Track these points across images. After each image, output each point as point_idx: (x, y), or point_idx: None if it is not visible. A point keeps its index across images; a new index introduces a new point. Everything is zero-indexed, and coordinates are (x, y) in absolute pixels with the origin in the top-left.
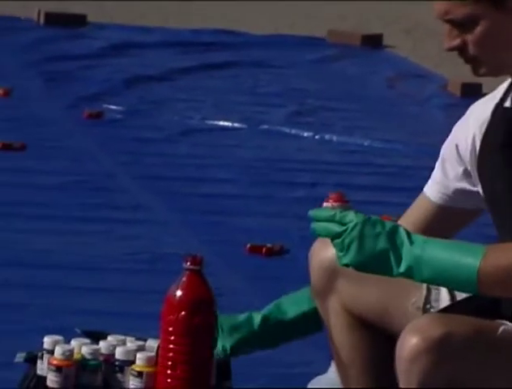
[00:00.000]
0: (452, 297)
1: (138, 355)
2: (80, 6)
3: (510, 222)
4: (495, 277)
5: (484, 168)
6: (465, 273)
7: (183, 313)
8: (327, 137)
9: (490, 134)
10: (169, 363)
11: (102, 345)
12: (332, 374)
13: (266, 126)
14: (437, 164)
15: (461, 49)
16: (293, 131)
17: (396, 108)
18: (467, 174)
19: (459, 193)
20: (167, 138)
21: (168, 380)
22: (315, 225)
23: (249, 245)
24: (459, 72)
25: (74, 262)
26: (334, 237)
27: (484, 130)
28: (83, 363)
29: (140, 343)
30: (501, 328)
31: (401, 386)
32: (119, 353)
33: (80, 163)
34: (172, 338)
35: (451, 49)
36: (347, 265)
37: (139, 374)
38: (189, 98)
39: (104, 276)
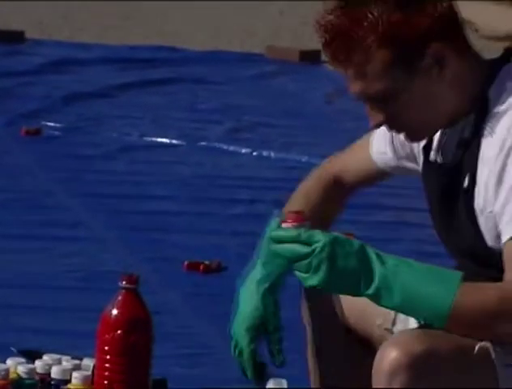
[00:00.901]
0: None
1: (74, 374)
2: (18, 22)
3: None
4: (466, 318)
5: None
6: (436, 307)
7: (119, 332)
8: (265, 153)
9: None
10: (105, 382)
11: (38, 364)
12: None
13: (204, 143)
14: (384, 136)
15: (388, 123)
16: (231, 148)
17: (334, 123)
18: (412, 158)
19: (402, 168)
20: (105, 155)
21: None
22: (278, 248)
23: (186, 263)
24: None
25: (11, 280)
26: (299, 259)
27: (421, 159)
28: (18, 382)
29: (76, 362)
30: (477, 346)
31: None
32: (55, 372)
33: (18, 180)
34: (108, 357)
35: (378, 126)
36: (313, 286)
37: None
38: (127, 115)
39: (40, 294)
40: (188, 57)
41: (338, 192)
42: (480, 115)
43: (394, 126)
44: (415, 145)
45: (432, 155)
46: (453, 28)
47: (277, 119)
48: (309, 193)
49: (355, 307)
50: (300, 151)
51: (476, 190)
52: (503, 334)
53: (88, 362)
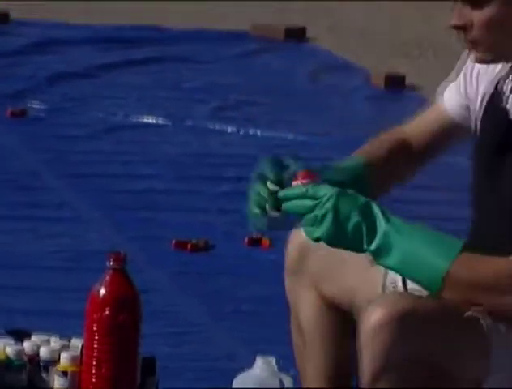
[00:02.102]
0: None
1: (63, 354)
2: (3, 3)
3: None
4: (460, 288)
5: (485, 121)
6: (432, 272)
7: (107, 311)
8: (251, 131)
9: (493, 108)
10: (94, 362)
11: (26, 345)
12: (258, 370)
13: (190, 122)
14: (455, 79)
15: (465, 29)
16: (217, 126)
17: (320, 101)
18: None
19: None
20: (91, 135)
21: (93, 379)
22: (287, 205)
23: (174, 241)
24: (383, 65)
25: None
26: (306, 212)
27: (487, 99)
28: (7, 363)
29: (64, 342)
30: (469, 312)
31: (363, 359)
32: (43, 353)
33: (4, 161)
34: (97, 336)
35: (456, 27)
36: (318, 239)
37: (64, 374)
38: (112, 95)
39: (28, 275)
40: (172, 36)
41: (404, 154)
42: None
43: (468, 34)
44: (480, 90)
45: (501, 101)
46: None
47: (262, 97)
48: (369, 152)
49: (345, 287)
50: (287, 128)
51: None
52: (495, 308)
53: (77, 342)
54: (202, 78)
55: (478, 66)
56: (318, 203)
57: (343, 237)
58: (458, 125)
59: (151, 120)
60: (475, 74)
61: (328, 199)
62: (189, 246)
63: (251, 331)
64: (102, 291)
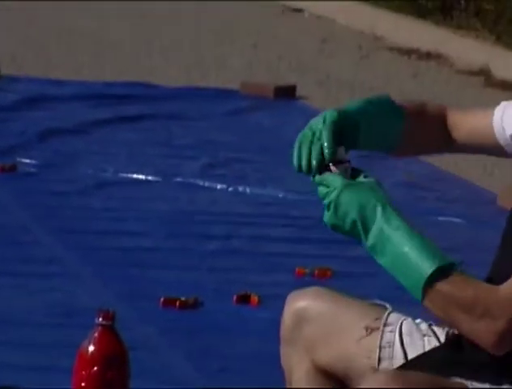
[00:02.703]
0: (405, 354)
1: None
2: None
3: None
4: (438, 300)
5: None
6: (415, 278)
7: (95, 368)
8: (241, 189)
9: None
10: None
11: None
12: None
13: (179, 179)
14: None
15: None
16: (207, 184)
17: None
18: None
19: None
20: (81, 191)
21: None
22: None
23: (162, 299)
24: None
25: None
26: (322, 197)
27: None
28: None
29: None
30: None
31: None
32: None
33: None
34: None
35: None
36: (326, 225)
37: None
38: (102, 151)
39: (16, 330)
40: (162, 93)
41: (440, 129)
42: None
43: None
44: None
45: None
46: None
47: (252, 155)
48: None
49: (338, 350)
50: (276, 186)
51: None
52: (468, 333)
53: None
54: (193, 135)
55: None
56: (327, 192)
57: (343, 230)
58: (497, 144)
59: (140, 176)
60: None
61: (333, 190)
62: (177, 304)
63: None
64: (90, 348)
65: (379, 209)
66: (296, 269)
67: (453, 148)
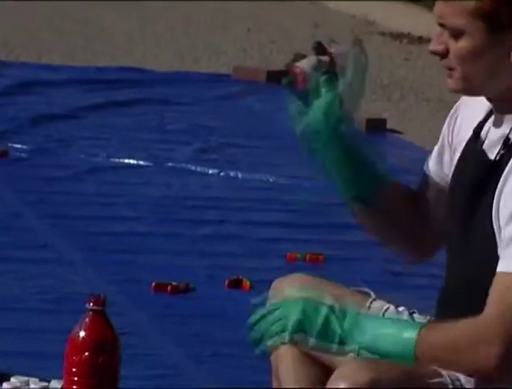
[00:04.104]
0: None
1: None
2: None
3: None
4: (430, 353)
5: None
6: (402, 347)
7: (86, 354)
8: (233, 174)
9: (470, 151)
10: None
11: (5, 387)
12: None
13: (171, 164)
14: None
15: (443, 56)
16: (199, 168)
17: (301, 144)
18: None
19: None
20: (73, 176)
21: None
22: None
23: (154, 284)
24: (363, 108)
25: None
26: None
27: (465, 143)
28: None
29: (44, 384)
30: (437, 379)
31: None
32: None
33: None
34: (76, 379)
35: (434, 53)
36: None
37: None
38: (94, 136)
39: (8, 316)
40: (155, 78)
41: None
42: None
43: (445, 61)
44: (461, 135)
45: (478, 144)
46: None
47: (244, 139)
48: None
49: None
50: (268, 171)
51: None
52: (467, 369)
53: (56, 384)
54: (184, 120)
55: (461, 113)
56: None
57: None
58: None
59: (132, 161)
60: (458, 122)
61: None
62: (169, 289)
63: (231, 373)
64: (82, 334)
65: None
66: (288, 254)
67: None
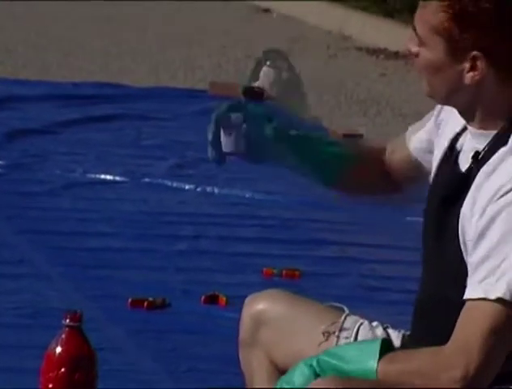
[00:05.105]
0: None
1: None
2: None
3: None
4: (392, 378)
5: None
6: (364, 373)
7: (63, 370)
8: (209, 189)
9: (445, 163)
10: None
11: None
12: None
13: (148, 179)
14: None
15: (413, 57)
16: (175, 184)
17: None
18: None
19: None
20: (49, 192)
21: None
22: None
23: (130, 300)
24: (340, 123)
25: None
26: None
27: (441, 154)
28: None
29: None
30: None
31: None
32: None
33: None
34: None
35: (407, 52)
36: None
37: None
38: (71, 151)
39: None
40: (131, 93)
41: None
42: (499, 140)
43: (416, 63)
44: (441, 143)
45: (454, 154)
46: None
47: None
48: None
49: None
50: (244, 186)
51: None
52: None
53: None
54: (161, 135)
55: (445, 117)
56: None
57: None
58: (422, 167)
59: (109, 177)
60: (441, 127)
61: None
62: (145, 304)
63: None
64: (58, 350)
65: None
66: (264, 270)
67: (396, 187)
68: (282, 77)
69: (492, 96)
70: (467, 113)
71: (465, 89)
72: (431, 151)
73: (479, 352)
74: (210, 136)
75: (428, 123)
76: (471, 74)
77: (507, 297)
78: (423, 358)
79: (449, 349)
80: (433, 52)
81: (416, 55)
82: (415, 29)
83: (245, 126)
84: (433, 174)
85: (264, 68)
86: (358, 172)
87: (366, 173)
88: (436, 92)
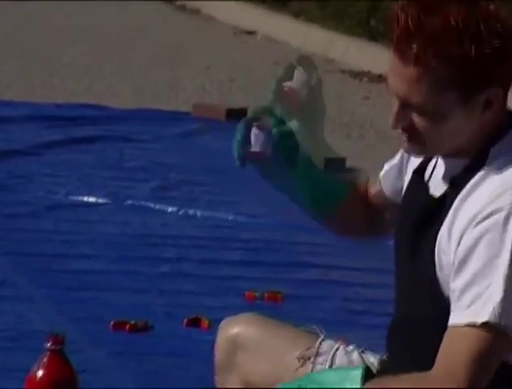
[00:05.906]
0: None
1: None
2: None
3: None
4: None
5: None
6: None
7: None
8: (191, 212)
9: (415, 186)
10: None
11: None
12: None
13: (130, 201)
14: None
15: (406, 130)
16: (158, 206)
17: (259, 182)
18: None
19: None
20: (32, 213)
21: None
22: None
23: (112, 322)
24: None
25: None
26: None
27: (410, 179)
28: None
29: None
30: None
31: None
32: None
33: None
34: None
35: (396, 128)
36: None
37: None
38: (54, 173)
39: None
40: (114, 115)
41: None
42: (475, 166)
43: (410, 134)
44: (408, 166)
45: (424, 179)
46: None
47: (203, 177)
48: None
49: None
50: (227, 209)
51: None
52: None
53: None
54: (144, 157)
55: None
56: None
57: None
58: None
59: (91, 199)
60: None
61: None
62: (127, 327)
63: None
64: (39, 373)
65: None
66: (247, 293)
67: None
68: (312, 82)
69: (477, 126)
70: (450, 151)
71: (470, 130)
72: (401, 178)
73: (465, 378)
74: (238, 135)
75: (400, 152)
76: (486, 111)
77: (493, 322)
78: (409, 385)
79: (435, 375)
80: (450, 113)
81: (412, 126)
82: (406, 102)
83: (275, 130)
84: (402, 198)
85: (298, 69)
86: (344, 209)
87: (352, 211)
88: (434, 145)
